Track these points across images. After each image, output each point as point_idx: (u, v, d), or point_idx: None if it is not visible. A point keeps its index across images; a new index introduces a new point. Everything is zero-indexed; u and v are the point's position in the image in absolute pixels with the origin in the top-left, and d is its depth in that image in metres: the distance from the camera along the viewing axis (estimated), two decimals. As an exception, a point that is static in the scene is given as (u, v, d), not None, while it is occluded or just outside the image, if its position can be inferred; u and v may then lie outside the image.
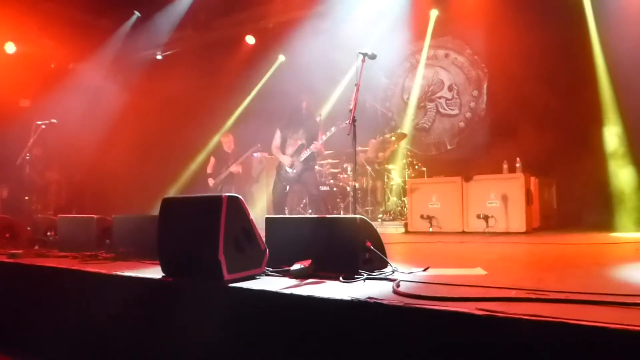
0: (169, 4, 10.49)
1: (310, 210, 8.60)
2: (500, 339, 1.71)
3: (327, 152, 8.55)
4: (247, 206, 2.88)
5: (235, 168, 8.80)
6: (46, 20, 9.67)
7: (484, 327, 1.75)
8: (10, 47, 9.92)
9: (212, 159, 9.19)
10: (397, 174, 8.67)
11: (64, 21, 9.97)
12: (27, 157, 7.80)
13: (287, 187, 6.99)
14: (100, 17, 10.72)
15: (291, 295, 2.32)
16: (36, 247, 4.86)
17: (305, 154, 6.69)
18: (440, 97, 10.01)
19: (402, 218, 8.01)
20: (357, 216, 2.88)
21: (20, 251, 4.34)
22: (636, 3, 7.10)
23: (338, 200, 8.75)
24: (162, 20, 10.66)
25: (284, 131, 6.94)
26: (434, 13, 9.55)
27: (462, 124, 9.71)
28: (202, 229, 2.79)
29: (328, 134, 6.46)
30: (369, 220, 2.95)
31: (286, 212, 7.22)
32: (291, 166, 6.68)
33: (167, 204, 3.04)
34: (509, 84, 8.49)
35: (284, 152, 6.84)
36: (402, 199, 8.40)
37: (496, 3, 8.39)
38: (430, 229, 6.87)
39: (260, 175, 9.54)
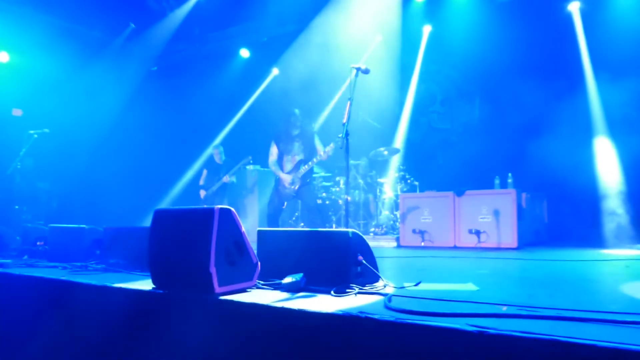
0: (163, 17, 10.55)
1: (302, 223, 8.58)
2: (491, 356, 1.71)
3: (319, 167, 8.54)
4: (239, 218, 2.87)
5: (227, 178, 8.81)
6: (40, 30, 9.69)
7: (475, 343, 1.75)
8: (3, 57, 9.90)
9: (204, 171, 9.25)
10: (389, 187, 8.68)
11: (58, 31, 9.99)
12: (18, 167, 7.79)
13: (285, 204, 6.93)
14: (93, 28, 10.75)
15: (282, 308, 2.32)
16: (25, 257, 4.82)
17: (304, 170, 6.58)
18: (432, 112, 10.06)
19: (394, 232, 8.01)
20: (349, 230, 2.88)
21: (8, 261, 4.31)
22: (628, 20, 7.20)
23: (330, 213, 8.74)
24: (157, 33, 10.70)
25: (280, 146, 6.83)
26: (427, 28, 9.64)
27: (454, 139, 9.75)
28: (193, 241, 2.77)
29: (329, 151, 6.39)
30: (361, 234, 2.95)
31: (279, 226, 7.16)
32: (291, 184, 6.59)
33: (159, 215, 3.03)
34: (501, 99, 8.56)
35: (282, 169, 6.74)
36: (395, 212, 8.40)
37: (489, 19, 8.47)
38: (422, 244, 6.87)
39: (254, 188, 9.52)
